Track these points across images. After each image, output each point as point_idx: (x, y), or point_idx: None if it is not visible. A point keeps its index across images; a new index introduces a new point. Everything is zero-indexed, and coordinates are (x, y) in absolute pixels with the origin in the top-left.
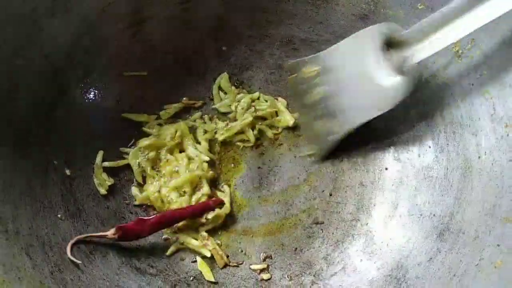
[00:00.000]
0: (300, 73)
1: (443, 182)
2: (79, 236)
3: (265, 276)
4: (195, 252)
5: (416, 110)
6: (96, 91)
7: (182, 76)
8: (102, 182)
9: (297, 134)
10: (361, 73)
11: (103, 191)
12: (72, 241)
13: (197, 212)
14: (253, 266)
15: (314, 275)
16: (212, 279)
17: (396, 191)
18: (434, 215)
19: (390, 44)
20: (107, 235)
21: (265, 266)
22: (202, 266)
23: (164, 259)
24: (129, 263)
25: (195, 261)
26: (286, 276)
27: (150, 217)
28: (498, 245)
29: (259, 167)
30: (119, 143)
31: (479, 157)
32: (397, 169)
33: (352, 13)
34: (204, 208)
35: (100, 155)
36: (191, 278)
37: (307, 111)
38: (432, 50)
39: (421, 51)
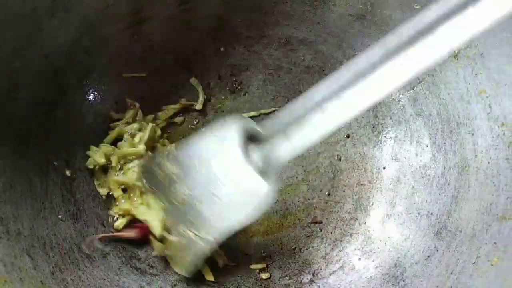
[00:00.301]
0: (157, 173)
1: (440, 180)
2: (104, 234)
3: (264, 275)
4: None
5: (413, 110)
6: (96, 92)
7: (182, 77)
8: (102, 183)
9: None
10: (224, 177)
11: (103, 192)
12: (98, 237)
13: None
14: (252, 266)
15: (313, 274)
16: (212, 279)
17: (394, 190)
18: (431, 213)
19: (252, 140)
20: (132, 237)
21: (264, 265)
22: (202, 266)
23: (164, 259)
24: (129, 263)
25: None
26: (285, 275)
27: None
28: (495, 243)
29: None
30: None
31: (475, 156)
32: (395, 168)
33: (349, 13)
34: None
35: (100, 155)
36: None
37: (171, 214)
38: (293, 153)
39: (281, 149)
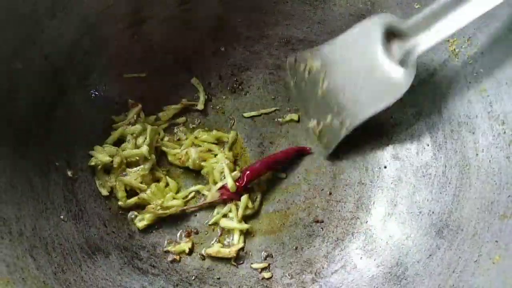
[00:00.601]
0: (300, 68)
1: (441, 179)
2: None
3: (266, 274)
4: None
5: (414, 109)
6: (96, 92)
7: (182, 77)
8: (104, 183)
9: (293, 133)
10: (364, 66)
11: (105, 192)
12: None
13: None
14: (254, 265)
15: (314, 273)
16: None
17: (395, 189)
18: (433, 212)
19: (391, 35)
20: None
21: (266, 265)
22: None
23: (166, 259)
24: (132, 263)
25: (197, 260)
26: (287, 274)
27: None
28: (496, 241)
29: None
30: (120, 144)
31: (476, 154)
32: (396, 167)
33: (349, 13)
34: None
35: (104, 154)
36: (192, 278)
37: (313, 108)
38: (433, 41)
39: (423, 43)
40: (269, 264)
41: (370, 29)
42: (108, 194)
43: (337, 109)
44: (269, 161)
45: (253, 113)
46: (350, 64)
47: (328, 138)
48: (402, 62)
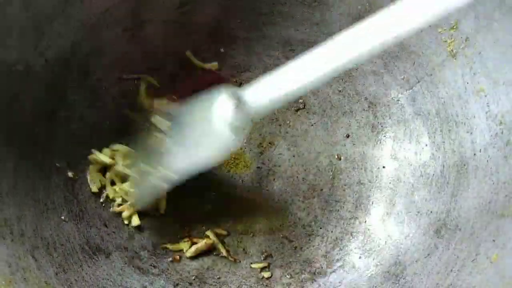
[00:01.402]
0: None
1: (439, 179)
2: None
3: (266, 274)
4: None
5: (412, 109)
6: (96, 94)
7: (181, 79)
8: (95, 179)
9: (292, 134)
10: (203, 129)
11: (94, 188)
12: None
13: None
14: (253, 265)
15: (314, 273)
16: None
17: (394, 189)
18: (431, 212)
19: (235, 103)
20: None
21: (266, 264)
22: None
23: (167, 259)
24: (132, 263)
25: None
26: (286, 274)
27: None
28: (494, 240)
29: (258, 167)
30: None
31: (474, 154)
32: (394, 167)
33: (347, 14)
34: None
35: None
36: (193, 278)
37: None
38: (270, 108)
39: (260, 110)
40: (268, 264)
41: (212, 101)
42: (97, 190)
43: (165, 160)
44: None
45: None
46: (191, 129)
47: (144, 190)
48: (238, 128)
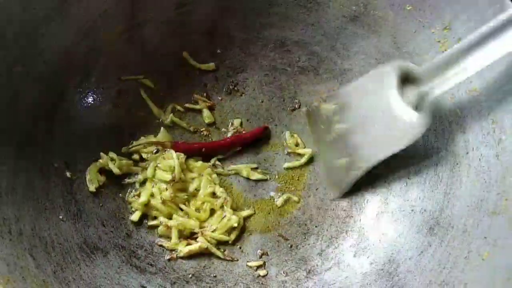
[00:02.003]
0: (318, 110)
1: (433, 178)
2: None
3: (261, 272)
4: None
5: None
6: (94, 95)
7: (178, 79)
8: (94, 179)
9: (292, 135)
10: (379, 111)
11: (92, 188)
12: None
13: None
14: (250, 263)
15: (309, 271)
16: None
17: (388, 188)
18: (424, 210)
19: (407, 81)
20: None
21: (262, 263)
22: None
23: (164, 258)
24: (129, 262)
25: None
26: (282, 272)
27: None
28: (485, 238)
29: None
30: (118, 146)
31: (467, 153)
32: (389, 166)
33: (343, 15)
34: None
35: (105, 158)
36: (189, 276)
37: (327, 149)
38: (447, 87)
39: (437, 88)
40: (264, 262)
41: (385, 74)
42: (95, 190)
43: (353, 152)
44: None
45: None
46: (365, 108)
47: (339, 179)
48: (417, 107)
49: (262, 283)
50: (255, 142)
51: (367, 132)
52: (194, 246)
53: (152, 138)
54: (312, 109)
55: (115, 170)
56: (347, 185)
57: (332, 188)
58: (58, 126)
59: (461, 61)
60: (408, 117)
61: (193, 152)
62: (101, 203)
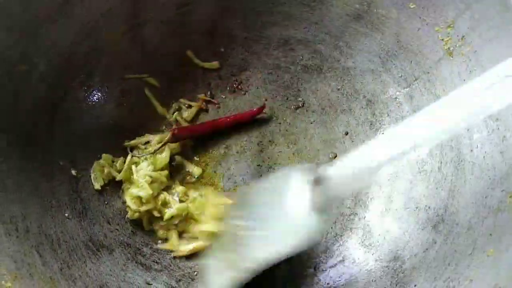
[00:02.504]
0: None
1: (437, 175)
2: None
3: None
4: None
5: (410, 107)
6: (98, 93)
7: (181, 78)
8: (98, 177)
9: (292, 132)
10: (280, 211)
11: (97, 186)
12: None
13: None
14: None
15: (314, 268)
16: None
17: (392, 185)
18: (429, 207)
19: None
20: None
21: None
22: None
23: (169, 255)
24: (135, 259)
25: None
26: (287, 269)
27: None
28: (491, 235)
29: (258, 165)
30: (121, 145)
31: (471, 150)
32: (393, 164)
33: (346, 13)
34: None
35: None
36: (195, 273)
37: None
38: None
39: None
40: None
41: (295, 179)
42: (100, 188)
43: (242, 247)
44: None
45: None
46: (266, 206)
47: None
48: (321, 210)
49: (268, 280)
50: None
51: (263, 230)
52: (195, 246)
53: (157, 137)
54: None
55: (115, 174)
56: (226, 282)
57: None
58: (62, 125)
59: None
60: (306, 222)
61: (197, 133)
62: (106, 201)
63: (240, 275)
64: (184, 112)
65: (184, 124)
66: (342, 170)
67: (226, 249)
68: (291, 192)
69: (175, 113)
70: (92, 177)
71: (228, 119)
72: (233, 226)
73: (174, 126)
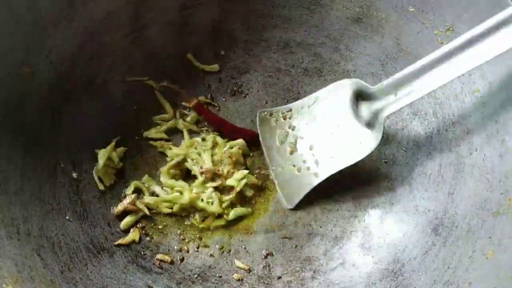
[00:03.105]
0: (271, 122)
1: (436, 178)
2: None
3: (266, 272)
4: None
5: (410, 109)
6: (100, 96)
7: (182, 80)
8: (105, 178)
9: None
10: (333, 125)
11: (101, 187)
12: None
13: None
14: (255, 263)
15: (314, 271)
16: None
17: (392, 188)
18: (428, 210)
19: (361, 97)
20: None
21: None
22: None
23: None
24: (136, 261)
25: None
26: (287, 272)
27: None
28: (490, 237)
29: (259, 167)
30: (123, 146)
31: (470, 153)
32: (392, 167)
33: (346, 16)
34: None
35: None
36: (195, 276)
37: (278, 156)
38: (398, 106)
39: (388, 107)
40: (269, 262)
41: (341, 91)
42: (104, 189)
43: (306, 162)
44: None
45: None
46: (320, 122)
47: (294, 190)
48: (370, 123)
49: (267, 283)
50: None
51: (323, 143)
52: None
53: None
54: (265, 114)
55: (116, 160)
56: (301, 195)
57: (286, 198)
58: (64, 127)
59: (411, 84)
60: (360, 134)
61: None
62: (107, 204)
63: (311, 184)
64: (188, 117)
65: (190, 127)
66: (383, 87)
67: (289, 162)
68: (340, 107)
69: (180, 119)
70: (96, 178)
71: (231, 128)
72: (292, 139)
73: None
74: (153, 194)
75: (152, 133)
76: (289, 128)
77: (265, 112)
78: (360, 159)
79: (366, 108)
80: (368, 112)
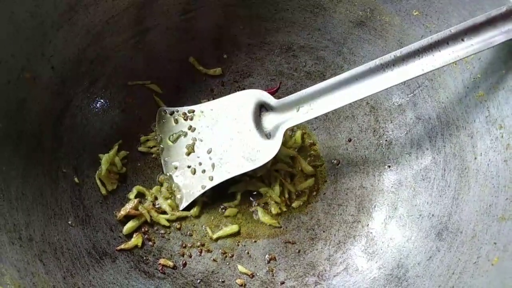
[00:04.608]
0: (170, 122)
1: (441, 183)
2: None
3: (270, 277)
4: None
5: (414, 114)
6: (102, 100)
7: (184, 84)
8: (107, 182)
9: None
10: (234, 132)
11: (104, 191)
12: None
13: None
14: (258, 268)
15: (317, 276)
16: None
17: (396, 193)
18: (432, 215)
19: (265, 108)
20: None
21: (271, 268)
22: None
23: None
24: (138, 267)
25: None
26: (290, 277)
27: None
28: (495, 243)
29: None
30: (125, 150)
31: (475, 158)
32: (396, 171)
33: (349, 20)
34: None
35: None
36: (198, 281)
37: (176, 162)
38: (299, 121)
39: (289, 121)
40: (273, 267)
41: (245, 100)
42: (106, 193)
43: (201, 165)
44: None
45: None
46: (221, 127)
47: (186, 190)
48: (271, 133)
49: None
50: None
51: (221, 148)
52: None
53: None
54: (165, 113)
55: (119, 165)
56: (192, 198)
57: (180, 200)
58: (66, 132)
59: (310, 103)
60: (259, 144)
61: None
62: (109, 209)
63: (205, 188)
64: None
65: None
66: (285, 102)
67: (185, 163)
68: (243, 116)
69: None
70: (98, 183)
71: None
72: (191, 141)
73: None
74: (156, 199)
75: (143, 148)
76: (189, 129)
77: (165, 111)
78: (257, 166)
79: (269, 119)
80: (270, 123)
